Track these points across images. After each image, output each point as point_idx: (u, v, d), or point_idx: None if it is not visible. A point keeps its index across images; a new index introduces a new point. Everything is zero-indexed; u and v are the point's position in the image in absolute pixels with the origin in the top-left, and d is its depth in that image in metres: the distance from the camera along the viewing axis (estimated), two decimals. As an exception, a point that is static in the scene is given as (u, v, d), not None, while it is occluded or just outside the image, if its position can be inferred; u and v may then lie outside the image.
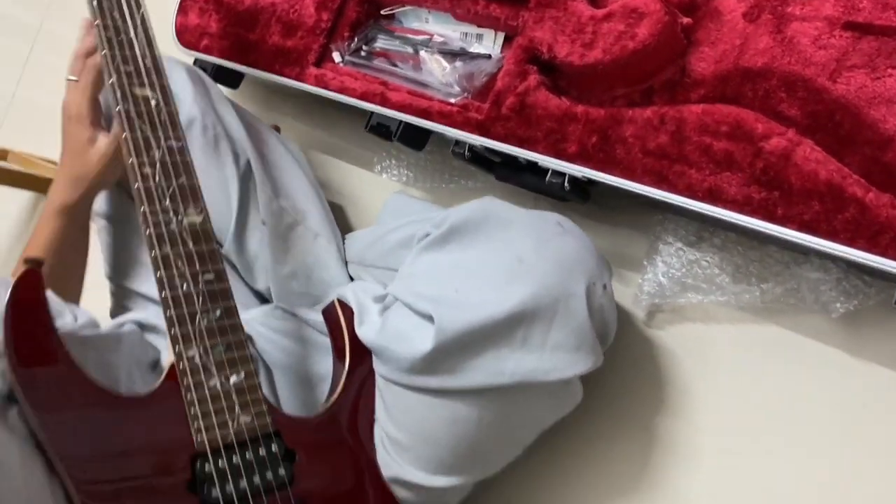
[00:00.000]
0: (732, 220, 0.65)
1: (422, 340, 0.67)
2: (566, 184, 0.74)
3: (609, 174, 0.72)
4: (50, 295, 0.66)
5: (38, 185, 1.40)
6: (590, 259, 0.70)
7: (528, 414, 0.73)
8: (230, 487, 0.63)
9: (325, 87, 0.95)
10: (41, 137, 1.53)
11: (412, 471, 0.72)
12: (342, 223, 1.06)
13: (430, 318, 0.68)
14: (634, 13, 0.73)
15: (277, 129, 1.14)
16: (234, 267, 0.92)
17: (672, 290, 0.76)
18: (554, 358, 0.67)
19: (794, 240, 0.63)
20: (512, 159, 0.80)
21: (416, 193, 1.02)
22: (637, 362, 0.80)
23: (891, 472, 0.70)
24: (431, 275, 0.71)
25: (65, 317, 0.70)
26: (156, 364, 0.78)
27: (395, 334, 0.70)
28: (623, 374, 0.80)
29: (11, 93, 1.64)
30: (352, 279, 0.93)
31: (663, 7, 0.73)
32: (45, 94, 1.59)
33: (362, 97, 0.93)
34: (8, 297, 0.61)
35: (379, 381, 0.74)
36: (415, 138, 0.91)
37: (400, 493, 0.73)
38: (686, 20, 0.76)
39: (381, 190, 1.04)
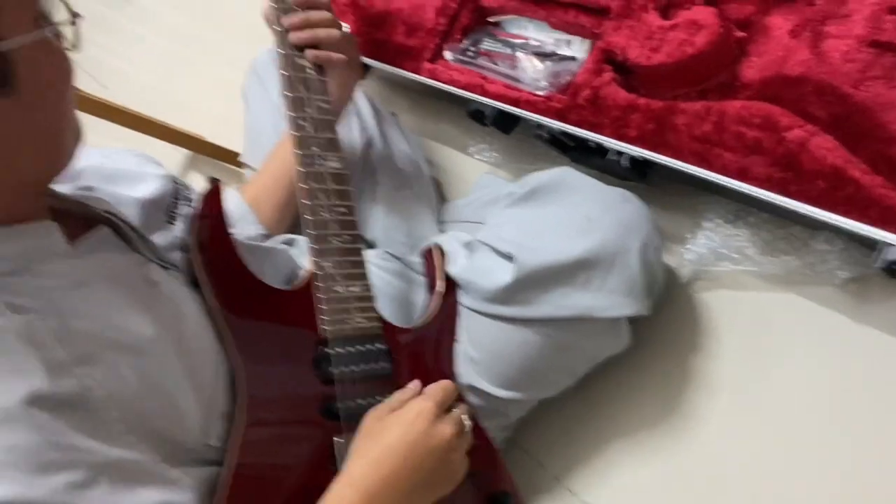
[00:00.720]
0: (756, 195, 0.81)
1: (503, 274, 0.85)
2: (625, 161, 0.92)
3: (661, 154, 0.88)
4: (233, 204, 0.86)
5: (191, 144, 1.58)
6: (646, 224, 0.86)
7: (583, 345, 0.89)
8: (344, 369, 0.81)
9: (436, 79, 1.15)
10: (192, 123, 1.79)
11: (484, 382, 0.90)
12: (439, 194, 1.24)
13: (509, 258, 0.85)
14: (695, 24, 0.90)
15: (395, 115, 1.34)
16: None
17: (709, 259, 0.92)
18: (609, 299, 0.83)
19: (804, 212, 0.78)
20: (583, 142, 0.98)
21: (503, 174, 1.20)
22: (677, 318, 0.96)
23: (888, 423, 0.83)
24: (513, 224, 0.89)
25: (240, 225, 0.90)
26: (290, 279, 0.98)
27: (479, 270, 0.88)
28: (666, 327, 0.96)
29: (166, 89, 1.90)
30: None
31: (719, 21, 0.89)
32: (195, 85, 1.85)
33: (465, 88, 1.12)
34: (196, 209, 0.82)
35: (462, 310, 0.92)
36: (505, 123, 1.09)
37: (472, 398, 0.91)
38: (740, 34, 0.92)
39: (474, 169, 1.23)
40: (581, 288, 0.83)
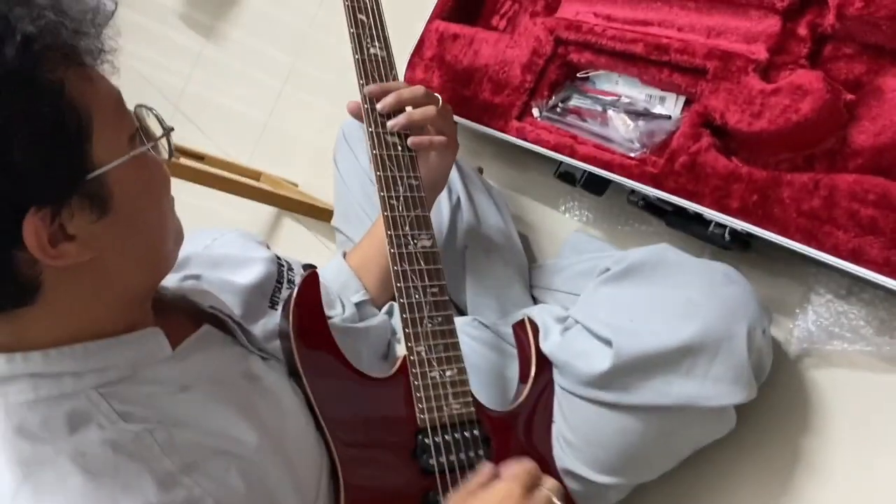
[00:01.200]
0: (871, 279, 0.76)
1: (600, 361, 0.82)
2: (727, 235, 0.88)
3: (765, 230, 0.84)
4: (336, 271, 0.87)
5: (282, 203, 1.66)
6: (752, 305, 0.82)
7: (686, 433, 0.86)
8: (443, 459, 0.80)
9: (524, 139, 1.13)
10: (289, 161, 1.84)
11: (581, 467, 0.88)
12: (528, 252, 1.23)
13: (607, 342, 0.83)
14: (799, 90, 0.85)
15: (481, 170, 1.33)
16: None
17: (820, 338, 0.87)
18: (714, 388, 0.80)
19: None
20: (681, 209, 0.94)
21: (595, 233, 1.17)
22: (785, 398, 0.91)
23: None
24: (610, 305, 0.86)
25: (335, 308, 0.91)
26: (387, 354, 0.98)
27: (575, 352, 0.86)
28: (772, 407, 0.91)
29: (264, 123, 1.95)
30: (534, 300, 1.10)
31: (826, 86, 0.84)
32: (293, 125, 1.91)
33: (554, 148, 1.10)
34: (293, 295, 0.83)
35: (557, 390, 0.90)
36: (596, 185, 1.07)
37: (569, 483, 0.89)
38: (849, 96, 0.86)
39: (564, 227, 1.20)
40: (684, 375, 0.80)
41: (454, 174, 1.13)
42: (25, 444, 0.64)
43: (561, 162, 1.09)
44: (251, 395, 0.76)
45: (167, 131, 0.68)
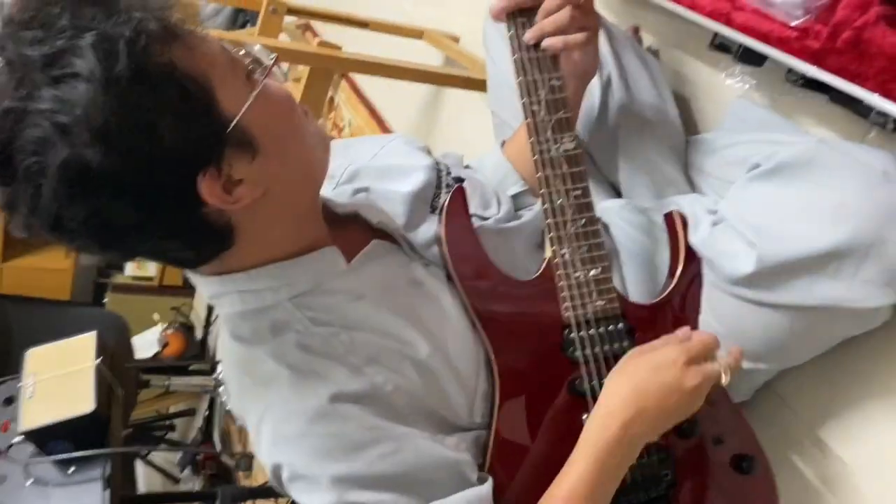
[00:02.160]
0: None
1: (744, 263, 0.83)
2: (890, 123, 0.82)
3: (935, 122, 0.78)
4: (495, 163, 0.98)
5: (443, 80, 1.68)
6: None
7: (833, 328, 0.87)
8: (588, 351, 0.88)
9: (676, 2, 1.07)
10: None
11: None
12: (689, 120, 1.19)
13: (752, 245, 0.83)
14: None
15: (637, 28, 1.28)
16: (593, 161, 1.14)
17: None
18: (862, 289, 0.79)
19: None
20: (845, 88, 0.88)
21: (759, 100, 1.12)
22: None
23: None
24: (758, 204, 0.85)
25: (490, 208, 0.98)
26: (542, 244, 1.03)
27: (720, 251, 0.87)
28: None
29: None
30: (688, 178, 1.09)
31: None
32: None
33: (709, 15, 1.03)
34: (443, 206, 0.90)
35: (706, 282, 0.92)
36: (755, 57, 1.00)
37: (716, 367, 0.93)
38: None
39: (726, 94, 1.15)
40: (830, 278, 0.79)
41: (604, 47, 1.10)
42: (240, 348, 0.81)
43: (716, 33, 1.03)
44: (416, 299, 0.87)
45: (274, 59, 0.75)
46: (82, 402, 1.55)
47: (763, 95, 1.11)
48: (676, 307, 0.94)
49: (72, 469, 1.53)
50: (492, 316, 0.88)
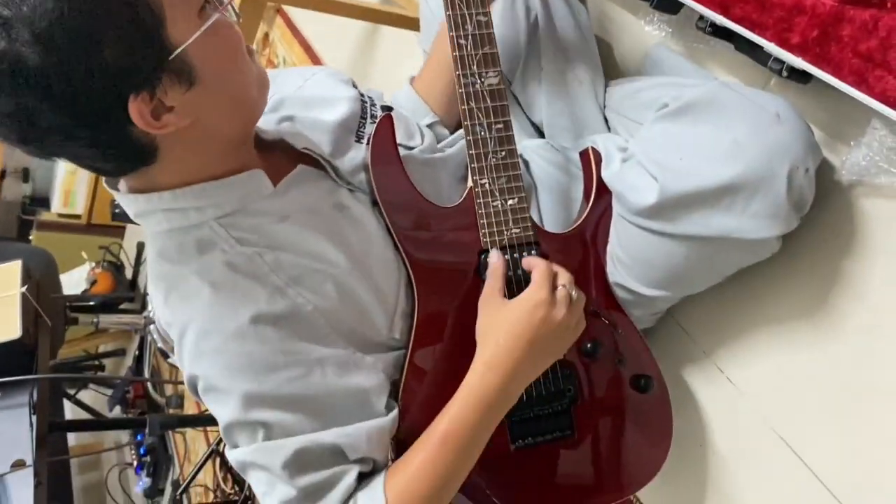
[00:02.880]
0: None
1: (648, 195, 0.90)
2: (785, 71, 0.88)
3: (820, 69, 0.84)
4: (406, 98, 1.03)
5: (375, 17, 1.69)
6: (797, 147, 0.84)
7: (728, 257, 0.94)
8: (503, 274, 0.94)
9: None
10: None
11: (632, 282, 0.99)
12: (609, 64, 1.25)
13: (655, 179, 0.90)
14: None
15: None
16: (518, 102, 1.19)
17: (869, 171, 0.89)
18: (752, 222, 0.86)
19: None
20: (747, 37, 0.94)
21: (675, 48, 1.18)
22: (830, 223, 0.95)
23: None
24: (662, 142, 0.92)
25: (415, 138, 1.02)
26: (466, 177, 1.08)
27: (628, 184, 0.94)
28: (818, 229, 0.96)
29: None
30: (606, 121, 1.15)
31: None
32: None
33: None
34: (370, 138, 0.94)
35: (614, 214, 0.98)
36: (670, 5, 1.06)
37: (620, 293, 1.01)
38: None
39: (645, 40, 1.21)
40: (724, 211, 0.86)
41: (534, -8, 1.14)
42: (166, 265, 0.83)
43: (636, -21, 1.08)
44: (340, 222, 0.91)
45: None
46: (8, 328, 1.55)
47: (678, 43, 1.17)
48: (587, 237, 1.00)
49: (-2, 394, 1.54)
50: (414, 239, 0.93)
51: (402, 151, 0.97)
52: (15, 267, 1.65)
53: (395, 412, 0.87)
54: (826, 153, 0.93)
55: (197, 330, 0.81)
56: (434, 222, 0.95)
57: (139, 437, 3.05)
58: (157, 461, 2.99)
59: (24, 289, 1.60)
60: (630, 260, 0.97)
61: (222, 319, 0.80)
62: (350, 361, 0.85)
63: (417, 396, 0.91)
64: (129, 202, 0.85)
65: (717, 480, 1.10)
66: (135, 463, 3.03)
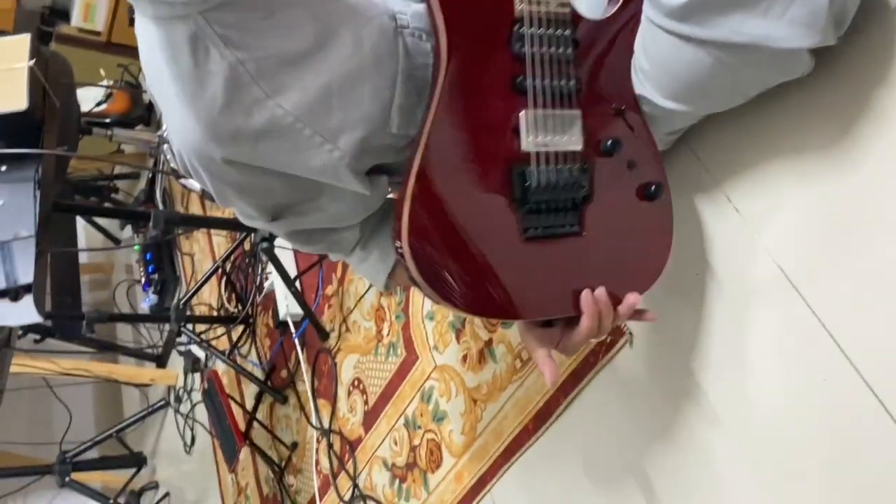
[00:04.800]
0: None
1: None
2: None
3: None
4: None
5: None
6: None
7: (755, 72, 0.87)
8: (535, 49, 0.87)
9: None
10: None
11: (652, 91, 0.92)
12: None
13: None
14: None
15: None
16: None
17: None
18: (788, 28, 0.79)
19: None
20: None
21: None
22: (869, 49, 0.87)
23: None
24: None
25: None
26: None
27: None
28: (853, 54, 0.88)
29: None
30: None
31: None
32: None
33: None
34: None
35: (643, 19, 0.91)
36: None
37: (642, 106, 0.95)
38: None
39: None
40: (760, 15, 0.79)
41: None
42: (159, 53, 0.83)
43: None
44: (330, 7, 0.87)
45: None
46: (14, 100, 1.51)
47: None
48: (616, 33, 0.93)
49: (3, 168, 1.52)
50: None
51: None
52: (24, 41, 1.59)
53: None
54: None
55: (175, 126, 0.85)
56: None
57: (148, 256, 3.08)
58: (164, 279, 3.04)
59: (32, 62, 1.54)
60: (652, 68, 0.91)
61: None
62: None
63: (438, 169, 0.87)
64: None
65: (712, 310, 1.06)
66: (143, 280, 3.08)
